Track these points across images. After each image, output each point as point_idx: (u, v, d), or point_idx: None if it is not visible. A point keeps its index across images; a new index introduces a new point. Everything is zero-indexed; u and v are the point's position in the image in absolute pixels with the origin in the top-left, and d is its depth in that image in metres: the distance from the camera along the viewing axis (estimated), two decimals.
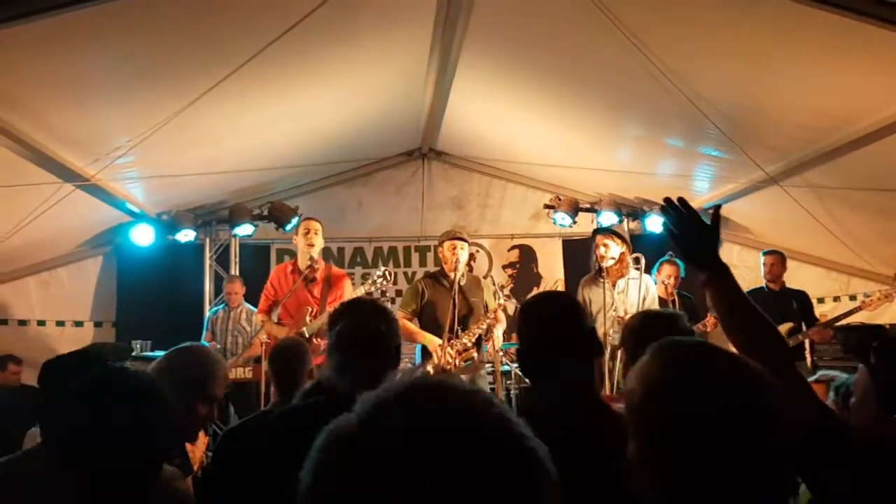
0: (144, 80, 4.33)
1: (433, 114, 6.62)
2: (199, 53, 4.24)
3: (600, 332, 5.08)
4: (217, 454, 2.87)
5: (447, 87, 5.86)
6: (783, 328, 5.74)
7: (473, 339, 5.04)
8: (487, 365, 5.45)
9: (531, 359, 2.03)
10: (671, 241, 1.77)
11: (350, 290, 5.44)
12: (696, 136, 5.31)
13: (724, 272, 1.69)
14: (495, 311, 5.13)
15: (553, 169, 7.25)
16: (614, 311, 5.28)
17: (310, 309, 5.20)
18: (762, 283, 6.03)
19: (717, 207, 1.85)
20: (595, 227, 6.80)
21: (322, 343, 5.09)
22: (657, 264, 6.11)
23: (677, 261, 6.01)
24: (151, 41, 3.96)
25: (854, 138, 4.50)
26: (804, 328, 5.78)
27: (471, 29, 4.73)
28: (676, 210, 1.77)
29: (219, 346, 6.35)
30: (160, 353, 6.11)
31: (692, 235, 1.75)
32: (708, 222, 1.76)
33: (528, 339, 2.06)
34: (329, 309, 5.11)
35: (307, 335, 5.11)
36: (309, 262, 5.28)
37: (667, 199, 1.79)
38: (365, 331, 2.21)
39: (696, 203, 7.00)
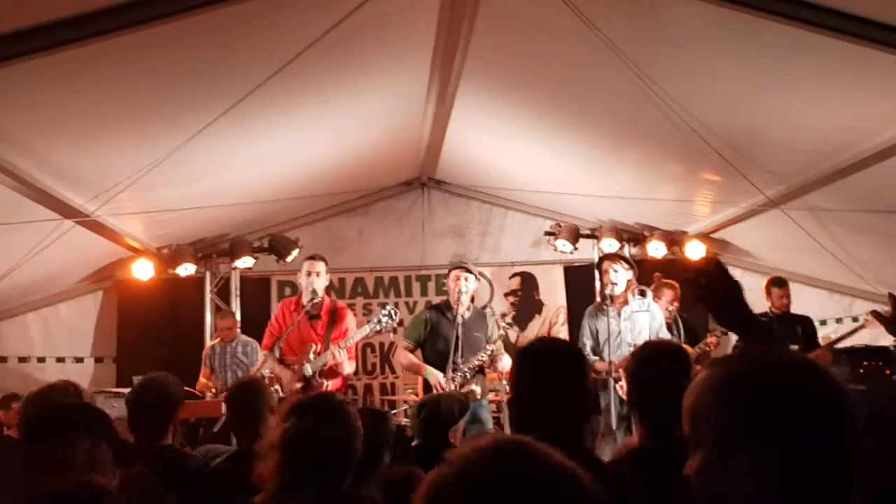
0: (142, 115, 4.34)
1: (432, 143, 6.64)
2: (198, 88, 4.26)
3: (606, 360, 5.04)
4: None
5: (446, 117, 5.88)
6: None
7: (474, 371, 5.00)
8: (491, 394, 5.41)
9: (524, 408, 1.99)
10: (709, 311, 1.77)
11: (354, 324, 5.42)
12: (695, 160, 5.32)
13: (761, 332, 1.70)
14: (495, 342, 5.09)
15: (553, 196, 7.25)
16: (620, 339, 5.20)
17: (313, 346, 5.16)
18: (764, 307, 6.00)
19: (716, 259, 1.85)
20: (600, 253, 6.78)
21: (325, 382, 5.07)
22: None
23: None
24: (149, 77, 3.97)
25: (855, 161, 4.49)
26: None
27: (469, 58, 4.76)
28: (700, 284, 1.77)
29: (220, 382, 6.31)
30: None
31: (718, 304, 1.73)
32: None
33: (526, 386, 2.03)
34: (332, 345, 5.09)
35: (309, 372, 5.08)
36: (311, 297, 5.26)
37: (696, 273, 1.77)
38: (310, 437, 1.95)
39: (696, 227, 7.05)
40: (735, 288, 1.73)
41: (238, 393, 3.34)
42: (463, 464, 0.81)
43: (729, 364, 1.21)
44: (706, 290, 1.73)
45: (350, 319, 5.42)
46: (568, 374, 2.01)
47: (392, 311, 5.22)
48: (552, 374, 2.01)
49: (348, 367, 5.24)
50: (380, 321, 5.18)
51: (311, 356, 5.11)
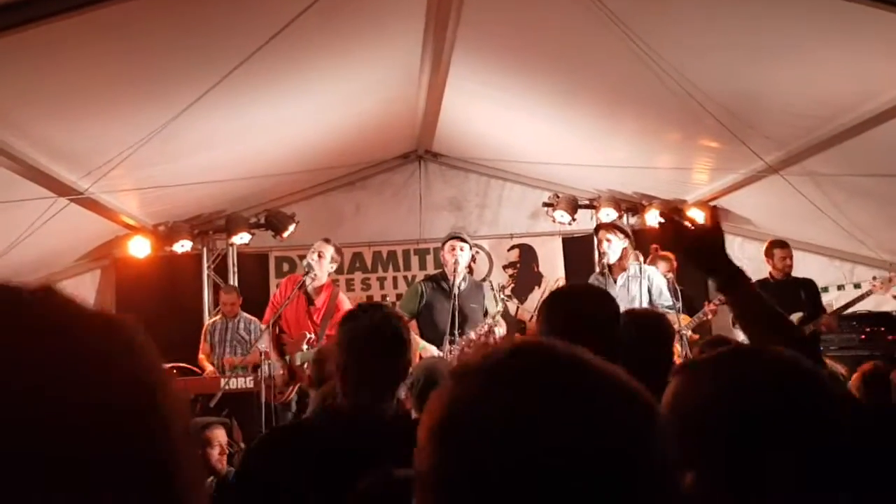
0: (133, 90, 4.30)
1: (428, 115, 6.58)
2: (189, 61, 4.20)
3: None
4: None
5: (441, 88, 5.82)
6: (794, 318, 5.68)
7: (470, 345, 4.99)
8: None
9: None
10: (683, 254, 1.78)
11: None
12: (693, 127, 5.27)
13: (735, 275, 1.66)
14: (494, 317, 5.07)
15: (551, 167, 7.21)
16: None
17: (307, 335, 5.16)
18: (765, 273, 5.98)
19: (714, 209, 1.88)
20: (595, 224, 6.75)
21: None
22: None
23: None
24: (139, 51, 3.92)
25: (855, 124, 4.45)
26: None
27: (462, 27, 4.69)
28: (669, 228, 1.78)
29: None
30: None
31: (692, 244, 1.73)
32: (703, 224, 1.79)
33: (555, 325, 2.01)
34: (327, 334, 5.10)
35: (298, 362, 5.09)
36: (306, 271, 5.27)
37: (665, 216, 1.84)
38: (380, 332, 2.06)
39: (695, 195, 7.02)
40: (718, 231, 1.76)
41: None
42: (484, 377, 0.72)
43: (712, 372, 1.16)
44: (687, 232, 1.74)
45: (348, 308, 5.42)
46: (599, 317, 2.01)
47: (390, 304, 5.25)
48: (583, 315, 2.00)
49: None
50: None
51: (305, 347, 5.11)
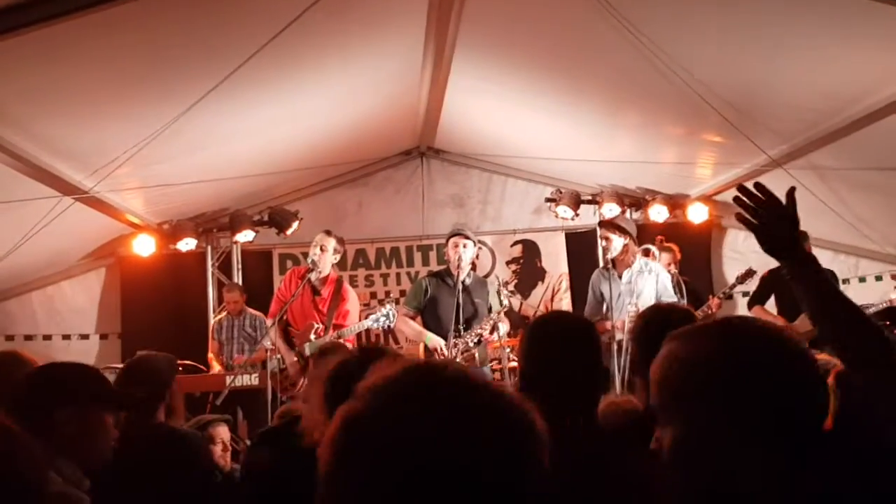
0: (137, 89, 4.30)
1: (430, 111, 6.58)
2: (192, 60, 4.21)
3: (608, 324, 5.04)
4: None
5: (443, 84, 5.82)
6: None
7: (475, 341, 5.02)
8: (493, 362, 5.43)
9: (531, 381, 1.95)
10: (751, 231, 1.62)
11: (356, 306, 5.48)
12: (696, 121, 5.27)
13: (807, 261, 1.55)
14: (498, 314, 5.09)
15: (553, 162, 7.21)
16: (621, 301, 5.19)
17: (315, 325, 5.19)
18: (769, 267, 5.98)
19: (792, 189, 1.65)
20: (601, 219, 6.76)
21: None
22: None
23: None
24: (143, 48, 3.93)
25: (859, 117, 4.44)
26: None
27: (464, 23, 4.69)
28: (753, 197, 1.62)
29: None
30: None
31: (772, 223, 1.60)
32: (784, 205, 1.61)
33: (533, 360, 1.99)
34: (332, 333, 5.15)
35: (308, 353, 5.11)
36: (311, 268, 5.28)
37: (741, 188, 1.62)
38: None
39: (699, 190, 7.01)
40: (775, 201, 1.60)
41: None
42: (376, 395, 0.78)
43: (699, 338, 1.21)
44: (760, 209, 1.60)
45: (352, 302, 5.46)
46: (579, 349, 1.98)
47: (392, 313, 5.26)
48: (562, 349, 1.97)
49: None
50: (378, 320, 5.23)
51: (313, 337, 5.14)
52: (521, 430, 0.76)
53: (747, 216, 1.60)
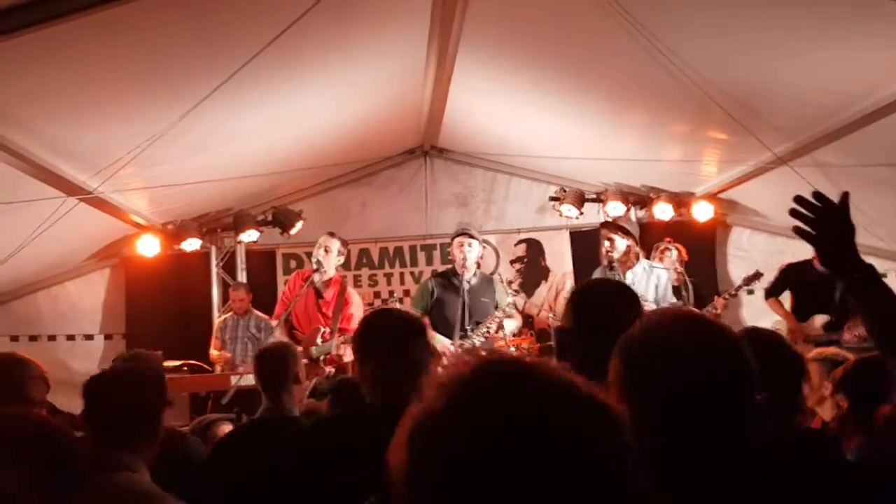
0: (142, 89, 4.30)
1: (434, 110, 6.57)
2: (195, 60, 4.21)
3: None
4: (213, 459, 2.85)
5: (446, 83, 5.81)
6: (819, 320, 5.64)
7: (483, 339, 5.02)
8: None
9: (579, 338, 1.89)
10: (811, 244, 1.51)
11: (360, 310, 5.46)
12: (701, 119, 5.25)
13: (871, 275, 1.46)
14: (506, 309, 5.10)
15: (557, 161, 7.19)
16: None
17: (322, 329, 5.18)
18: (774, 267, 5.98)
19: (846, 195, 1.54)
20: (603, 218, 6.75)
21: (328, 368, 5.11)
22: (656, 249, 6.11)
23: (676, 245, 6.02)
24: (146, 48, 3.93)
25: (865, 114, 4.41)
26: None
27: (467, 21, 4.68)
28: (810, 207, 1.51)
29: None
30: (170, 363, 6.11)
31: (833, 235, 1.49)
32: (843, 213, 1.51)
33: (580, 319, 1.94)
34: (338, 337, 5.14)
35: (314, 356, 5.11)
36: (316, 268, 5.28)
37: (798, 199, 1.51)
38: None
39: (704, 187, 6.99)
40: (835, 210, 1.50)
41: (267, 359, 3.26)
42: (450, 392, 0.77)
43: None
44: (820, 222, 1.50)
45: (356, 305, 5.46)
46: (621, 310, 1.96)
47: (400, 300, 5.24)
48: (605, 308, 1.93)
49: (349, 356, 5.28)
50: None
51: (319, 340, 5.14)
52: (599, 419, 0.75)
53: (806, 229, 1.50)
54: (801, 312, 5.80)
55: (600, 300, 1.98)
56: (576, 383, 0.77)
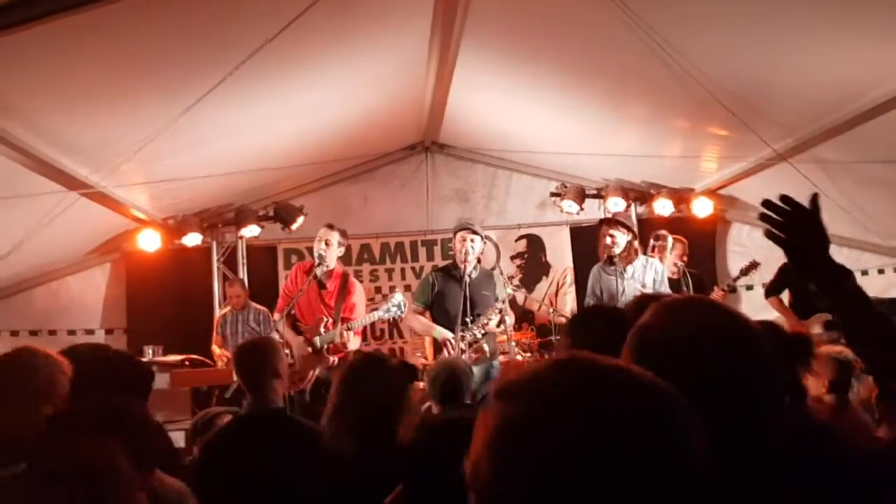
0: (144, 83, 4.30)
1: (435, 105, 6.58)
2: (197, 55, 4.21)
3: None
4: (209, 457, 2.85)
5: (448, 78, 5.81)
6: (819, 320, 5.66)
7: (483, 332, 5.04)
8: (501, 356, 5.44)
9: None
10: (782, 248, 1.51)
11: (362, 300, 5.48)
12: (702, 115, 5.26)
13: (842, 275, 1.49)
14: (504, 301, 5.12)
15: (558, 156, 7.20)
16: (625, 297, 5.24)
17: (324, 319, 5.20)
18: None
19: (815, 196, 1.54)
20: (603, 213, 6.78)
21: (332, 357, 5.13)
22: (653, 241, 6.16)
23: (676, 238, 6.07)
24: (149, 43, 3.92)
25: (864, 110, 4.43)
26: None
27: (470, 16, 4.68)
28: (778, 210, 1.51)
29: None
30: (172, 358, 6.11)
31: (803, 237, 1.50)
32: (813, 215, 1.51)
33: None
34: (342, 325, 5.14)
35: (318, 346, 5.13)
36: (318, 262, 5.30)
37: (765, 203, 1.52)
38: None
39: (704, 183, 7.00)
40: (805, 212, 1.51)
41: (244, 356, 3.26)
42: (529, 396, 0.76)
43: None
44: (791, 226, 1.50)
45: (358, 295, 5.46)
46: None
47: (403, 303, 5.25)
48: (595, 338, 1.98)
49: (354, 344, 5.29)
50: (389, 310, 5.22)
51: (322, 330, 5.16)
52: (680, 414, 0.76)
53: (776, 232, 1.51)
54: (800, 311, 5.82)
55: (591, 332, 2.02)
56: (653, 379, 0.79)
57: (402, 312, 5.24)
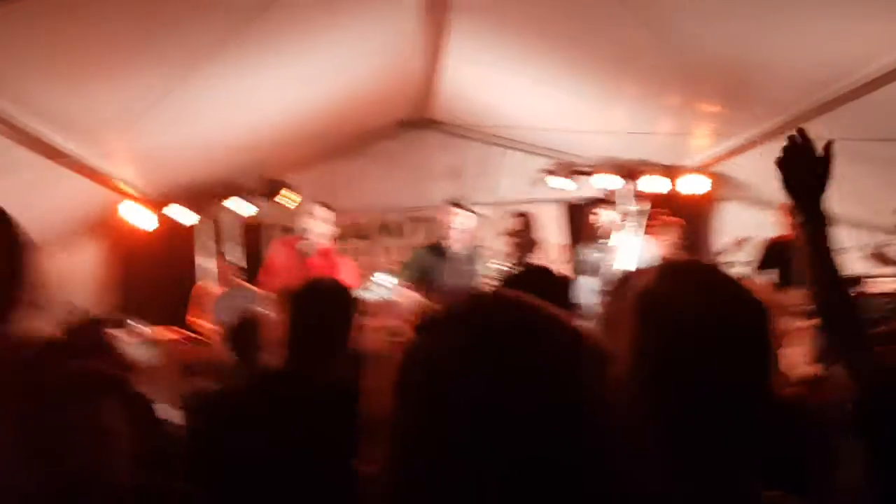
0: (130, 56, 4.25)
1: (428, 82, 6.53)
2: (185, 27, 4.16)
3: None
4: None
5: (440, 54, 5.76)
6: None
7: None
8: None
9: None
10: (777, 166, 1.67)
11: (351, 277, 5.44)
12: (694, 92, 5.23)
13: (820, 220, 1.64)
14: (489, 278, 5.15)
15: (551, 133, 7.18)
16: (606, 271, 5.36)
17: None
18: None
19: (830, 142, 1.69)
20: (595, 190, 6.83)
21: None
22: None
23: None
24: (136, 15, 3.87)
25: (856, 86, 4.40)
26: None
27: None
28: (792, 141, 1.68)
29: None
30: (165, 333, 6.09)
31: (801, 170, 1.66)
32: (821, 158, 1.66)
33: None
34: None
35: None
36: (306, 237, 5.27)
37: (789, 136, 1.69)
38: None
39: (695, 160, 6.99)
40: (811, 150, 1.67)
41: (236, 331, 3.29)
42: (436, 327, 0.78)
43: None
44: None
45: (346, 270, 5.43)
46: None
47: (389, 280, 5.22)
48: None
49: None
50: (372, 291, 5.18)
51: None
52: (580, 347, 0.77)
53: (781, 160, 1.67)
54: (782, 284, 5.87)
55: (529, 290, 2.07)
56: (559, 312, 0.80)
57: (389, 293, 5.21)
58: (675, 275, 1.17)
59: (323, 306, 2.28)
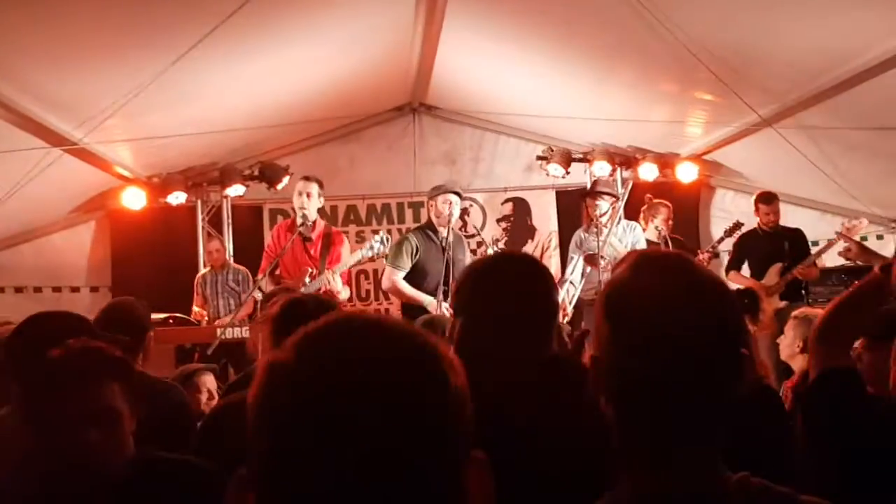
0: (127, 39, 4.25)
1: (422, 67, 6.53)
2: (182, 10, 4.16)
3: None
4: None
5: (435, 39, 5.76)
6: (773, 269, 5.81)
7: None
8: None
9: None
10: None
11: (347, 249, 5.47)
12: (688, 80, 5.26)
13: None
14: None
15: (545, 120, 7.19)
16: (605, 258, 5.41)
17: (309, 270, 5.21)
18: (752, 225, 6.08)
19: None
20: (589, 178, 6.87)
21: None
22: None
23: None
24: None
25: (850, 76, 4.44)
26: None
27: None
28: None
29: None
30: (156, 316, 6.11)
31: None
32: None
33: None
34: (327, 270, 5.14)
35: None
36: (302, 221, 5.27)
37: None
38: None
39: (689, 148, 7.03)
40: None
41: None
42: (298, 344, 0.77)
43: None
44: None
45: (344, 245, 5.46)
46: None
47: (384, 238, 5.27)
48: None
49: (344, 293, 5.30)
50: (372, 247, 5.23)
51: (307, 280, 5.16)
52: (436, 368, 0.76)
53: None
54: (757, 273, 6.00)
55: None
56: (415, 332, 0.79)
57: (384, 246, 5.24)
58: (643, 267, 1.16)
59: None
